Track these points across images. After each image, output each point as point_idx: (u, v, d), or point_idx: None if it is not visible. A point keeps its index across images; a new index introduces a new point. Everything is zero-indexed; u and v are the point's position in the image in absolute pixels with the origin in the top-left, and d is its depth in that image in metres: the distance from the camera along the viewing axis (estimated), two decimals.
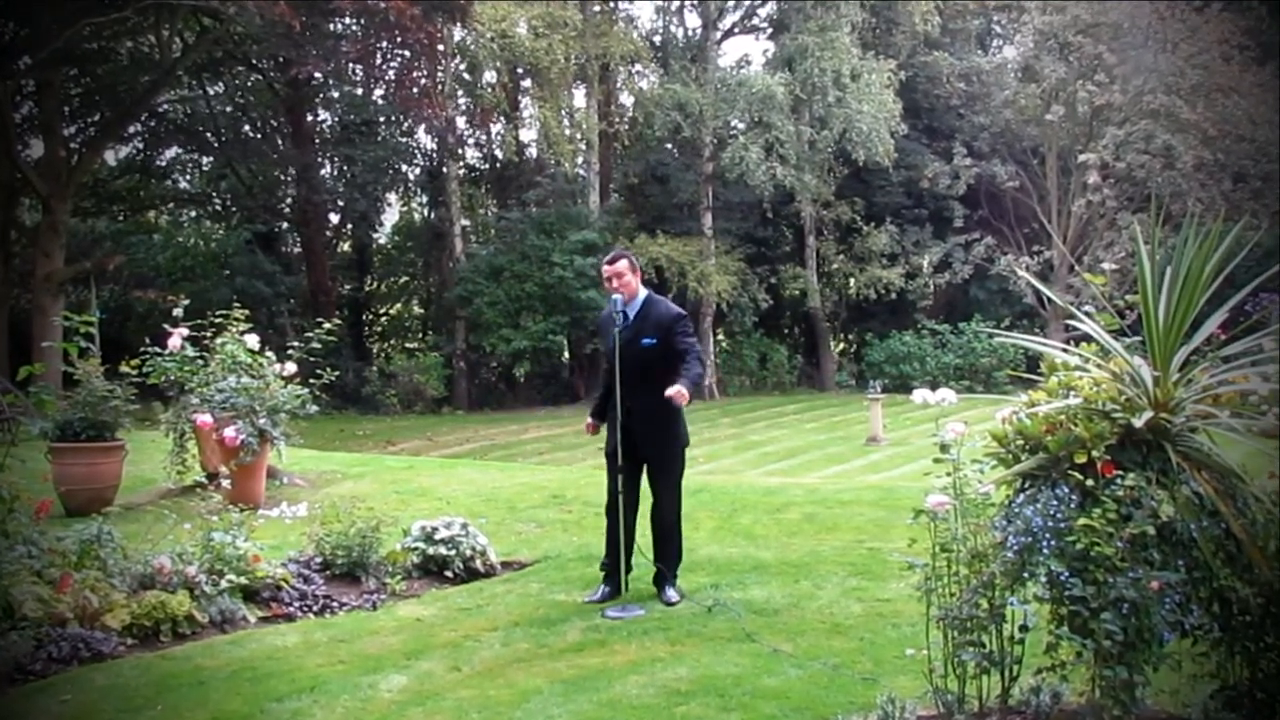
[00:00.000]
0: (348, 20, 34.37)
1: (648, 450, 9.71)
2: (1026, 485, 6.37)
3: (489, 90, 44.58)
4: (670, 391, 9.24)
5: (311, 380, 14.39)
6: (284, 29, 27.66)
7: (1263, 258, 24.07)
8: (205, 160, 46.42)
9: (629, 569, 9.70)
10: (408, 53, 34.28)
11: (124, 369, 13.88)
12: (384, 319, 54.43)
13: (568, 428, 35.28)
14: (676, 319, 9.80)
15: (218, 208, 47.53)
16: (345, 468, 17.13)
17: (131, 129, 39.29)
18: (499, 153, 48.73)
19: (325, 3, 29.98)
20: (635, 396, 9.56)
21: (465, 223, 47.53)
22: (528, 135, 49.21)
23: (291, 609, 9.31)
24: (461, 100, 45.46)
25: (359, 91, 43.35)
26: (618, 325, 9.55)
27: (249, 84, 43.37)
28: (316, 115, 46.30)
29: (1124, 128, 43.40)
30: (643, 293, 9.87)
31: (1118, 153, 43.25)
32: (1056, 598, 5.99)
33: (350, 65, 36.83)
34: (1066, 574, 5.85)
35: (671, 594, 9.54)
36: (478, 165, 51.12)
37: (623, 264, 9.78)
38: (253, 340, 14.19)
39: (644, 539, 9.81)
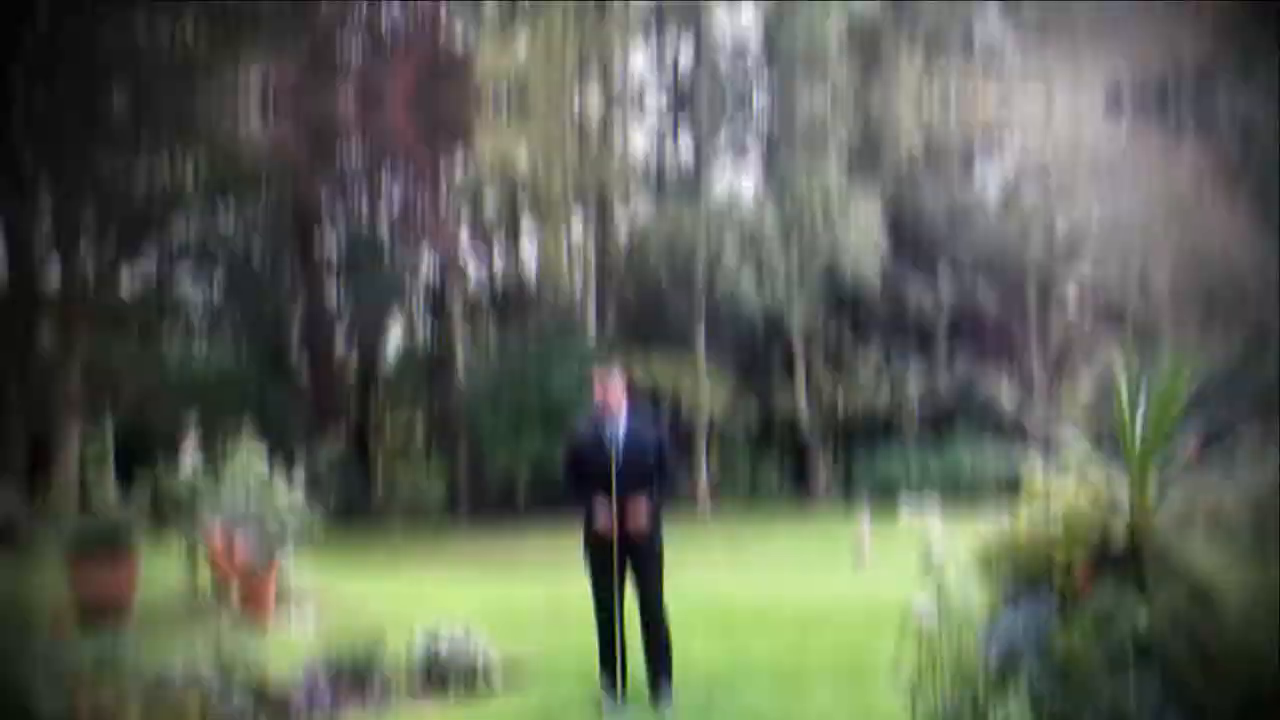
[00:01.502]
0: (354, 147, 34.62)
1: (642, 548, 9.73)
2: (1009, 599, 6.41)
3: (489, 217, 44.85)
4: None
5: (319, 498, 14.43)
6: (291, 156, 27.90)
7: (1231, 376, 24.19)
8: (215, 281, 46.55)
9: (624, 669, 9.70)
10: (411, 181, 34.49)
11: (137, 485, 13.92)
12: (389, 439, 54.41)
13: (568, 540, 35.17)
14: (658, 415, 10.11)
15: (226, 329, 47.63)
16: (352, 582, 17.10)
17: (145, 251, 39.43)
18: (499, 277, 48.96)
19: (332, 133, 30.27)
20: (635, 499, 9.61)
21: (467, 346, 47.65)
22: (527, 259, 49.50)
23: (300, 717, 9.29)
24: (464, 226, 45.70)
25: (364, 217, 43.55)
26: (612, 440, 9.67)
27: (258, 208, 43.53)
28: (324, 239, 46.54)
29: (1099, 252, 43.69)
30: (624, 405, 9.96)
31: (1094, 277, 43.52)
32: (1038, 711, 6.01)
33: (356, 193, 37.00)
34: (1048, 686, 5.88)
35: (666, 702, 9.50)
36: (479, 290, 51.30)
37: (619, 380, 9.92)
38: (261, 459, 14.24)
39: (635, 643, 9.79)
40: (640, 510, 9.56)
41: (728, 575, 28.64)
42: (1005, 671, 6.07)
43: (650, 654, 9.77)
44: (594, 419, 10.03)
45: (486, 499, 46.64)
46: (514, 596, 15.80)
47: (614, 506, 9.57)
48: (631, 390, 10.03)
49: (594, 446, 9.86)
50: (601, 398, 9.92)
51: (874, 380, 48.55)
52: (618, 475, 9.55)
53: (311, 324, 43.57)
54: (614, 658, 9.66)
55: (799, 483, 50.97)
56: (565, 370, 41.83)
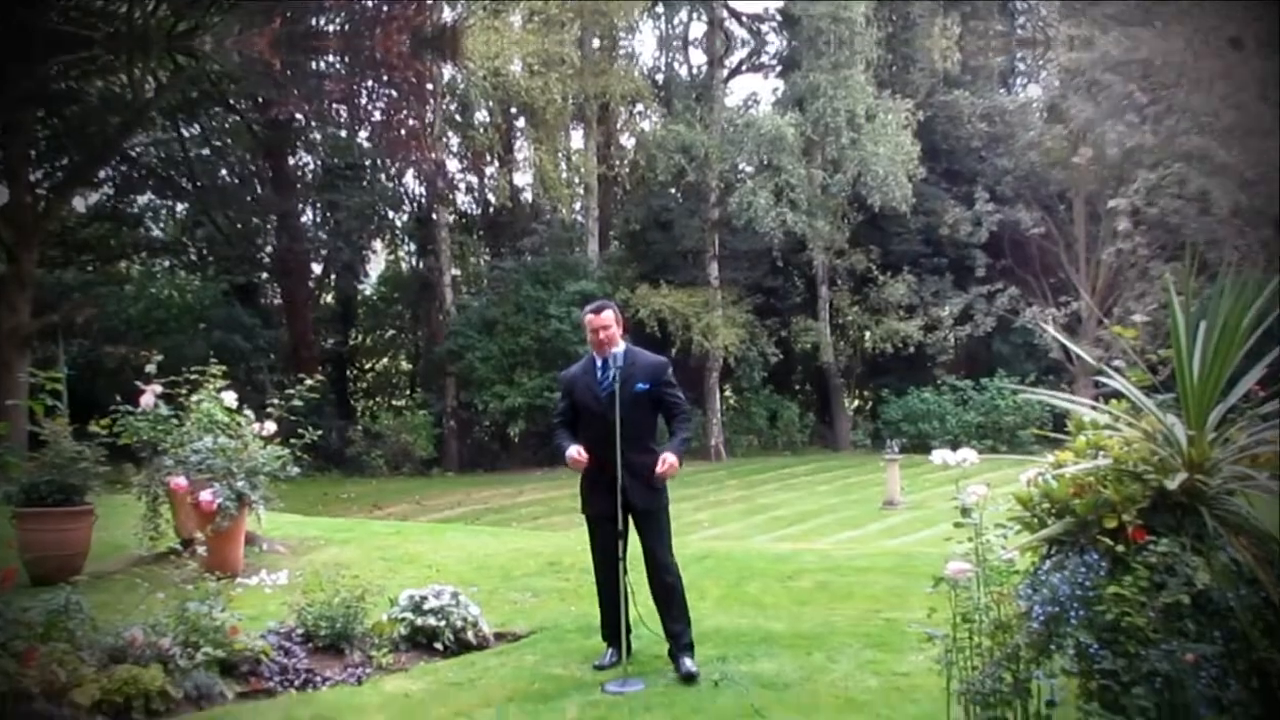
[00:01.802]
0: (331, 58, 34.40)
1: (642, 506, 9.59)
2: (1053, 551, 6.37)
3: (481, 131, 44.58)
4: (661, 470, 9.34)
5: (292, 440, 14.30)
6: (264, 67, 27.71)
7: None
8: (180, 207, 46.40)
9: (629, 630, 9.66)
10: (394, 92, 34.25)
11: (94, 428, 13.77)
12: (369, 375, 54.45)
13: (565, 490, 35.22)
14: (665, 365, 9.95)
15: (193, 257, 47.45)
16: (329, 533, 17.08)
17: (102, 174, 39.34)
18: (492, 198, 48.67)
19: (307, 40, 30.05)
20: (630, 451, 9.45)
21: (456, 272, 47.58)
22: (522, 179, 49.40)
23: (271, 683, 9.27)
24: (452, 142, 45.55)
25: (343, 133, 43.34)
26: (604, 381, 9.59)
27: (226, 126, 43.38)
28: (298, 159, 46.40)
29: (1156, 171, 43.09)
30: (622, 344, 9.80)
31: (1149, 197, 42.97)
32: (1085, 671, 5.98)
33: (334, 106, 36.79)
34: (1096, 646, 5.85)
35: (691, 664, 9.40)
36: (469, 211, 51.20)
37: (611, 314, 9.78)
38: (230, 398, 14.10)
39: (643, 608, 9.75)
40: (635, 457, 9.46)
41: (742, 529, 28.72)
42: (1049, 633, 6.03)
43: (668, 618, 9.69)
44: (589, 364, 9.93)
45: (477, 443, 46.68)
46: (508, 551, 15.77)
47: (617, 462, 9.42)
48: (628, 328, 9.89)
49: (589, 396, 9.79)
50: (594, 340, 9.79)
51: (905, 314, 48.19)
52: (619, 428, 9.43)
53: (284, 251, 43.41)
54: (616, 626, 9.60)
55: (822, 427, 50.91)
56: (564, 300, 41.71)
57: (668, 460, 9.36)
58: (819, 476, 40.02)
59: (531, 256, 45.88)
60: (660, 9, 47.70)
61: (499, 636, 10.85)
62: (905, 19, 47.60)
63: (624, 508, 9.49)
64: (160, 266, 47.58)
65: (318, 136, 44.09)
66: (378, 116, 36.74)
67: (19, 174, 30.97)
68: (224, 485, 13.22)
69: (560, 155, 45.81)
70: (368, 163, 44.55)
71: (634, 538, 9.71)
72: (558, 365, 40.38)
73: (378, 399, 52.87)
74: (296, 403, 14.69)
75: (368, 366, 54.37)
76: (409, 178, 45.87)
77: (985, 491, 6.71)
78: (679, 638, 9.60)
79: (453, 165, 46.24)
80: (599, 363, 9.73)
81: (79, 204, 41.52)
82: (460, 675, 9.59)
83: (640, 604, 9.68)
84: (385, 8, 29.88)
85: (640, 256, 48.35)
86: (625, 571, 9.49)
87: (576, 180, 46.39)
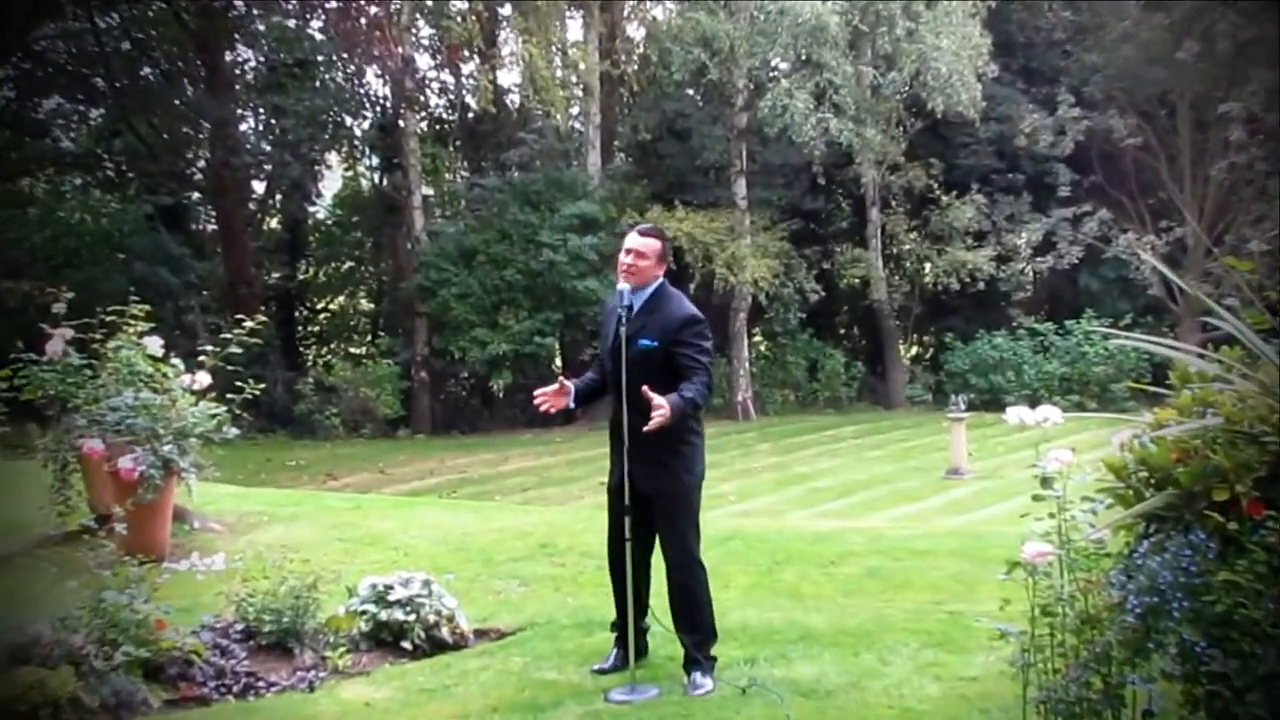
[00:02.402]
0: None
1: (647, 486, 9.35)
2: (1152, 530, 6.36)
3: (458, 20, 44.39)
4: (655, 413, 8.81)
5: (230, 395, 14.24)
6: None
7: None
8: (94, 113, 46.25)
9: (640, 629, 9.59)
10: None
11: None
12: (322, 316, 54.44)
13: (559, 456, 35.32)
14: (687, 322, 9.37)
15: (110, 174, 47.25)
16: (274, 508, 17.10)
17: (1, 73, 39.26)
18: (471, 101, 48.60)
19: None
20: (635, 417, 9.15)
21: (428, 192, 47.48)
22: (508, 78, 49.20)
23: (205, 689, 9.27)
24: (423, 33, 45.41)
25: (291, 23, 43.21)
26: (617, 332, 9.33)
27: (150, 14, 43.21)
28: (236, 55, 46.28)
29: (1276, 70, 42.87)
30: (657, 283, 9.47)
31: (1268, 101, 42.74)
32: (1190, 674, 5.97)
33: None
34: (1203, 643, 5.84)
35: (703, 681, 9.25)
36: (443, 117, 51.10)
37: (653, 242, 9.49)
38: (155, 344, 14.05)
39: (660, 599, 9.67)
40: (639, 424, 9.11)
41: (776, 503, 28.77)
42: (1146, 628, 6.03)
43: (674, 622, 9.53)
44: (620, 298, 9.51)
45: (453, 400, 46.66)
46: (491, 530, 15.80)
47: (625, 426, 9.27)
48: (661, 260, 9.57)
49: (604, 339, 9.72)
50: (621, 264, 9.53)
51: (974, 242, 47.95)
52: (618, 373, 9.32)
53: (220, 166, 43.27)
54: (623, 620, 9.54)
55: (872, 379, 50.84)
56: (559, 225, 41.57)
57: (662, 403, 8.79)
58: (868, 439, 40.09)
59: (519, 172, 45.71)
60: None
61: (480, 634, 10.85)
62: None
63: (633, 484, 9.32)
64: (71, 184, 47.43)
65: (261, 27, 43.91)
66: (333, 3, 36.64)
67: None
68: (147, 450, 13.17)
69: (554, 49, 45.63)
70: (321, 59, 44.38)
71: None
72: (550, 304, 40.39)
73: (332, 345, 52.92)
74: (234, 350, 14.62)
75: (320, 306, 54.38)
76: (370, 77, 45.79)
77: (1070, 458, 6.70)
78: (691, 649, 9.42)
79: (423, 62, 46.17)
80: (621, 303, 9.43)
81: None
82: (433, 680, 9.60)
83: (656, 593, 9.64)
84: None
85: (651, 172, 48.22)
86: (638, 556, 9.45)
87: (574, 80, 46.24)
